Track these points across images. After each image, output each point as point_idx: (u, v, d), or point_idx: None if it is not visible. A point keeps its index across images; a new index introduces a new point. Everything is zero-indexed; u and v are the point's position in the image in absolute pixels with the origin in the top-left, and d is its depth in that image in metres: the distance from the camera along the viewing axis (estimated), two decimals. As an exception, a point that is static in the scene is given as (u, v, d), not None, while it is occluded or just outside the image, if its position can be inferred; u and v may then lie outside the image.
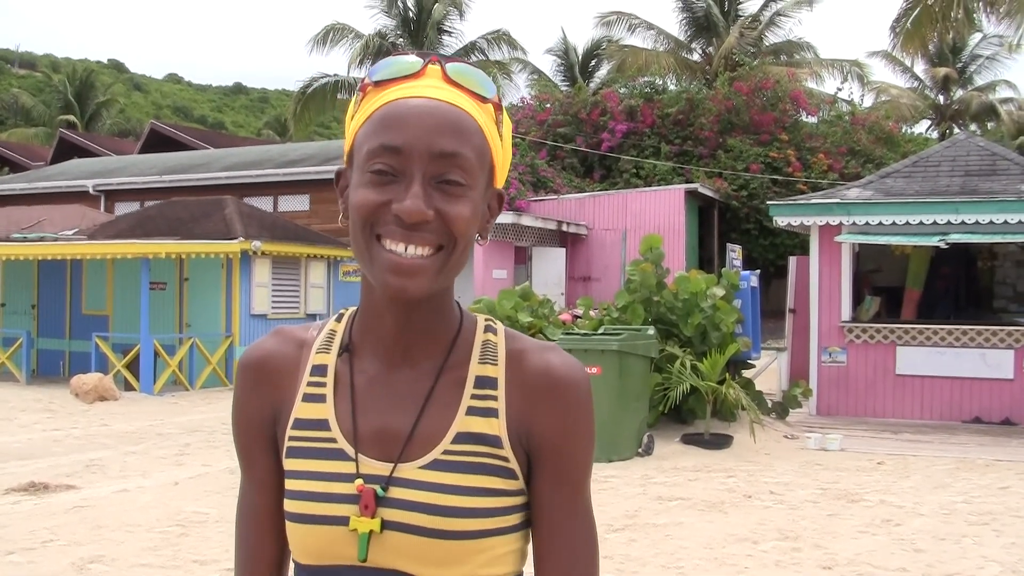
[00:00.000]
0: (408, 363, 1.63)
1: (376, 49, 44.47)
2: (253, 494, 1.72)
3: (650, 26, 43.76)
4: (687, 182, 32.43)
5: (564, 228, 29.85)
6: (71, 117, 59.65)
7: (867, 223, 16.57)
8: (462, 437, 1.57)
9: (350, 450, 1.58)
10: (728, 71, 37.87)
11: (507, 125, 1.65)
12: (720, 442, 13.68)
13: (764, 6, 43.53)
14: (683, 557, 8.24)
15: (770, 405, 15.63)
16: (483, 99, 1.59)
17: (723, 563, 8.11)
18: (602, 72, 47.73)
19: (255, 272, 22.50)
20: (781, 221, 17.59)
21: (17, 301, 24.82)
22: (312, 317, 24.37)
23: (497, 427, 1.58)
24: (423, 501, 1.53)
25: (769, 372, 18.45)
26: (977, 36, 45.96)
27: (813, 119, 37.13)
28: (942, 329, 16.45)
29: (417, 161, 1.51)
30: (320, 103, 45.18)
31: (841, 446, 13.87)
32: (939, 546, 8.70)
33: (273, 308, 23.20)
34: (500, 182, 1.66)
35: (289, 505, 1.61)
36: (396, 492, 1.54)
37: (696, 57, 44.23)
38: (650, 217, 29.70)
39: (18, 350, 22.65)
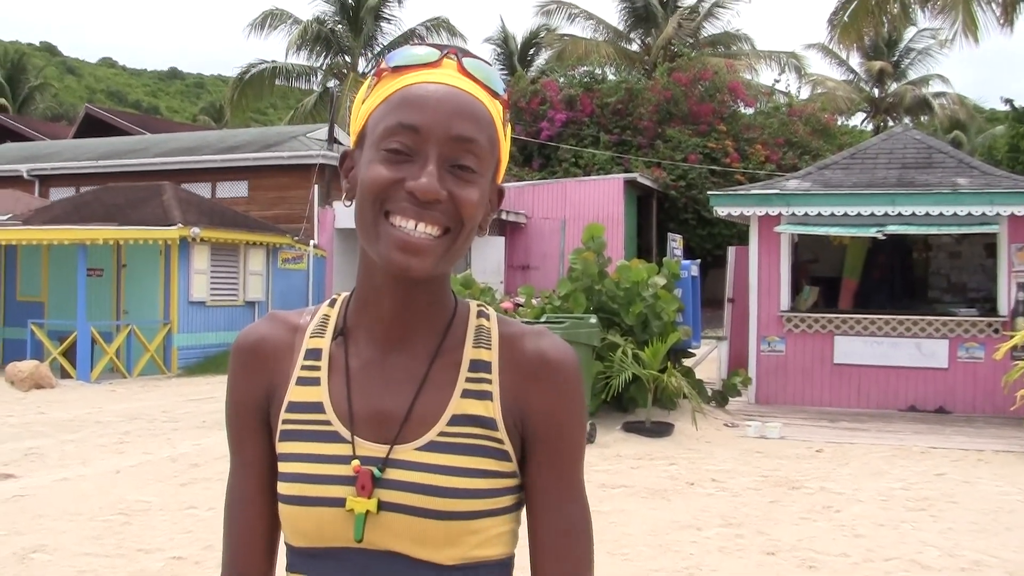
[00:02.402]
0: (403, 346, 1.65)
1: (315, 35, 44.25)
2: (244, 477, 1.72)
3: (589, 16, 43.90)
4: (626, 171, 32.53)
5: (503, 216, 29.84)
6: (2, 100, 58.73)
7: (806, 214, 16.75)
8: (457, 419, 1.59)
9: (345, 432, 1.60)
10: (667, 61, 38.08)
11: (510, 126, 1.68)
12: (661, 430, 13.77)
13: (703, -3, 43.80)
14: (628, 544, 8.31)
15: (710, 394, 15.76)
16: (495, 94, 1.63)
17: (668, 549, 8.18)
18: (541, 61, 47.81)
19: (193, 259, 22.32)
20: (721, 211, 17.73)
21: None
22: (251, 305, 24.24)
23: (492, 409, 1.60)
24: (419, 482, 1.55)
25: (709, 361, 18.62)
26: (912, 30, 46.55)
27: (751, 110, 37.42)
28: (879, 319, 16.67)
29: (434, 142, 1.53)
30: (258, 89, 44.81)
31: (780, 434, 14.02)
32: (879, 531, 8.83)
33: (212, 295, 23.03)
34: (500, 178, 1.69)
35: (283, 488, 1.62)
36: (392, 473, 1.56)
37: (635, 47, 44.42)
38: (589, 206, 29.78)
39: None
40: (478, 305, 1.73)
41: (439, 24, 46.01)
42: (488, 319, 1.70)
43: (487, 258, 28.55)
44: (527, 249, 30.55)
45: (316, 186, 27.86)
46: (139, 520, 8.92)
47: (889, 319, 16.63)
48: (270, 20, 44.24)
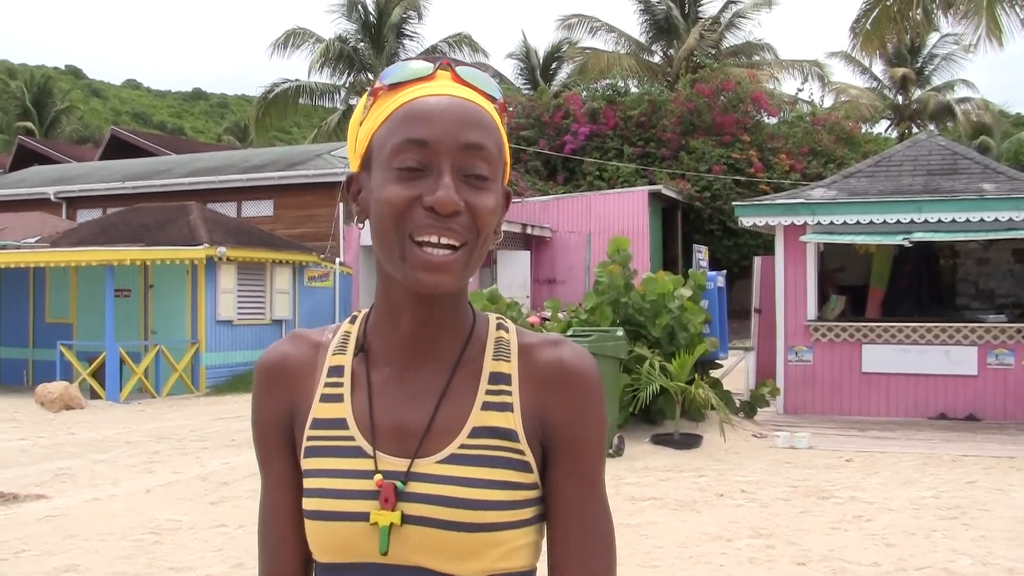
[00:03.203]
0: (424, 360, 1.65)
1: (338, 53, 44.43)
2: (273, 494, 1.73)
3: (611, 28, 43.91)
4: (650, 184, 32.54)
5: (528, 231, 29.89)
6: (29, 124, 59.14)
7: (831, 223, 16.69)
8: (478, 431, 1.59)
9: (368, 447, 1.61)
10: (689, 73, 38.05)
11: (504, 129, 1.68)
12: (690, 442, 13.74)
13: (724, 8, 43.81)
14: (659, 556, 8.28)
15: (738, 404, 15.71)
16: (492, 99, 1.64)
17: (698, 561, 8.16)
18: (563, 75, 47.84)
19: (220, 278, 22.41)
20: (746, 221, 17.69)
21: (-21, 310, 24.61)
22: (278, 323, 24.32)
23: (512, 421, 1.61)
24: (442, 494, 1.55)
25: (736, 372, 18.56)
26: (934, 36, 46.34)
27: (774, 120, 37.36)
28: (907, 327, 16.59)
29: (445, 153, 1.53)
30: (282, 108, 45.05)
31: (809, 444, 13.96)
32: (910, 540, 8.78)
33: (239, 314, 23.12)
34: (507, 180, 1.69)
35: (308, 503, 1.62)
36: (415, 486, 1.56)
37: (657, 59, 44.41)
38: (614, 219, 29.77)
39: (-19, 359, 22.48)
40: (497, 318, 1.74)
41: (461, 40, 46.12)
42: (507, 331, 1.71)
43: (513, 272, 28.58)
44: (553, 263, 30.57)
45: (341, 204, 27.92)
46: (170, 539, 8.96)
47: (917, 327, 16.54)
48: (293, 39, 44.47)
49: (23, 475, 12.30)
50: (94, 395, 20.50)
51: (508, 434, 1.60)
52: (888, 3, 24.49)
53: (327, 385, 1.68)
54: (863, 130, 41.72)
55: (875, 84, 51.53)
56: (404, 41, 46.21)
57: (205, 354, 22.24)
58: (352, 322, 1.75)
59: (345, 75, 45.73)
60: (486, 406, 1.61)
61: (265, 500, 1.75)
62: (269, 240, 24.45)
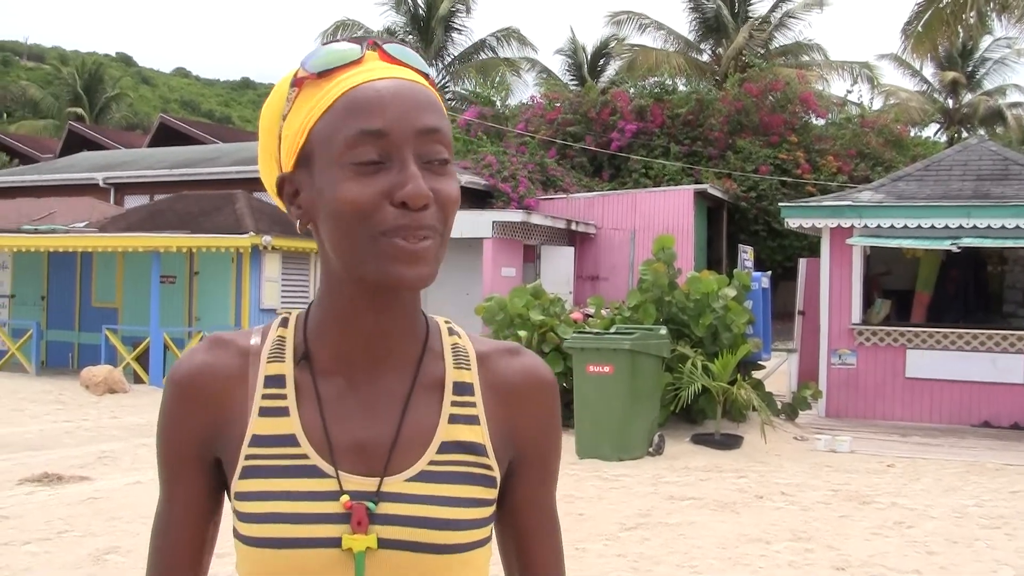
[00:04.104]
0: (380, 369, 1.52)
1: (386, 46, 44.48)
2: (178, 514, 1.55)
3: (660, 26, 43.75)
4: (696, 183, 32.40)
5: (573, 227, 29.84)
6: (79, 110, 59.63)
7: (879, 226, 16.58)
8: (447, 446, 1.50)
9: (327, 466, 1.46)
10: (738, 72, 37.87)
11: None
12: (730, 442, 13.69)
13: (774, 7, 43.52)
14: (697, 556, 8.27)
15: (780, 406, 15.65)
16: (426, 75, 1.50)
17: (737, 563, 8.14)
18: (610, 71, 47.70)
19: (265, 266, 22.52)
20: (792, 223, 17.61)
21: (27, 293, 24.86)
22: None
23: (480, 434, 1.52)
24: (416, 515, 1.45)
25: (779, 373, 18.48)
26: (987, 39, 45.93)
27: (822, 121, 37.11)
28: (952, 333, 16.46)
29: (405, 142, 1.40)
30: (329, 99, 45.18)
31: (851, 448, 13.89)
32: (952, 549, 8.72)
33: (283, 303, 23.22)
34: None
35: (255, 530, 1.44)
36: (386, 507, 1.44)
37: (706, 58, 44.23)
38: (659, 217, 29.68)
39: (28, 341, 22.70)
40: (446, 322, 1.64)
41: (509, 34, 46.16)
42: (460, 337, 1.61)
43: (557, 268, 28.57)
44: (596, 260, 30.51)
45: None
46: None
47: (963, 333, 16.41)
48: (341, 31, 44.58)
49: (67, 457, 12.43)
50: (138, 379, 20.68)
51: (477, 448, 1.51)
52: (941, 5, 24.28)
53: (266, 397, 1.49)
54: (912, 133, 41.39)
55: (925, 87, 51.13)
56: (452, 34, 46.32)
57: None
58: (284, 325, 1.57)
59: (393, 68, 45.80)
60: (453, 419, 1.52)
61: (167, 520, 1.56)
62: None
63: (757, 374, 16.20)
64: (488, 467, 1.52)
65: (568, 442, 13.30)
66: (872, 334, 16.85)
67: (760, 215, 32.91)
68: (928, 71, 49.82)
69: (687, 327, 14.52)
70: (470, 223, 27.64)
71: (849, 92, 41.02)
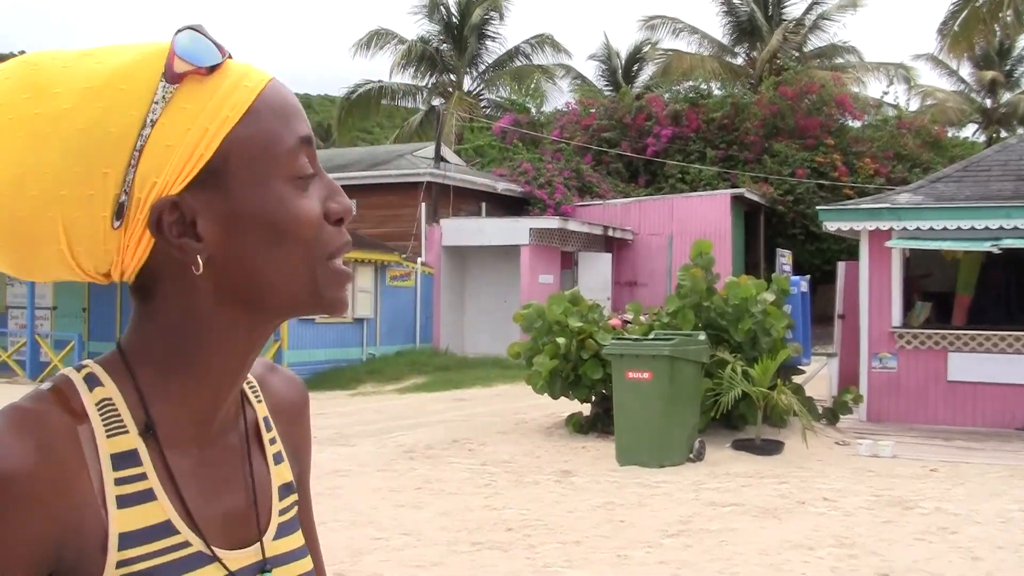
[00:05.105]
0: (224, 423, 1.28)
1: (420, 55, 44.69)
2: None
3: (693, 30, 43.68)
4: (733, 187, 32.38)
5: (610, 233, 29.85)
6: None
7: (918, 228, 16.48)
8: (282, 491, 1.33)
9: (207, 549, 1.20)
10: (773, 75, 37.77)
11: None
12: (771, 448, 13.63)
13: (808, 10, 43.33)
14: (739, 563, 8.24)
15: (821, 411, 15.56)
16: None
17: (780, 569, 8.10)
18: (645, 76, 47.66)
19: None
20: (830, 226, 17.51)
21: (68, 304, 25.09)
22: (360, 321, 24.53)
23: (288, 469, 1.37)
24: (301, 572, 1.31)
25: (819, 378, 18.38)
26: (1024, 38, 45.57)
27: (859, 123, 37.00)
28: (994, 335, 16.32)
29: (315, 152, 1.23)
30: (364, 108, 45.46)
31: (893, 453, 13.79)
32: (997, 555, 8.64)
33: (320, 313, 23.35)
34: None
35: None
36: (277, 573, 1.28)
37: (740, 61, 44.11)
38: (696, 222, 29.65)
39: (70, 353, 22.89)
40: None
41: (543, 41, 46.20)
42: None
43: (594, 274, 28.58)
44: (634, 265, 30.51)
45: (424, 204, 28.13)
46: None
47: (1005, 335, 16.27)
48: (376, 40, 44.82)
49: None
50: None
51: (292, 486, 1.37)
52: (978, 4, 24.17)
53: (120, 482, 1.15)
54: (950, 134, 41.14)
55: (962, 87, 50.73)
56: (486, 42, 46.38)
57: (287, 351, 22.49)
58: (93, 384, 1.18)
59: (427, 76, 46.02)
60: (276, 459, 1.35)
61: None
62: (351, 239, 24.67)
63: (797, 379, 16.12)
64: (297, 500, 1.38)
65: (608, 449, 13.30)
66: (913, 337, 16.73)
67: (797, 219, 32.84)
68: (965, 71, 49.46)
69: (726, 332, 14.48)
70: (507, 230, 27.72)
71: (885, 93, 40.92)
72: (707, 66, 41.56)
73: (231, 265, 1.16)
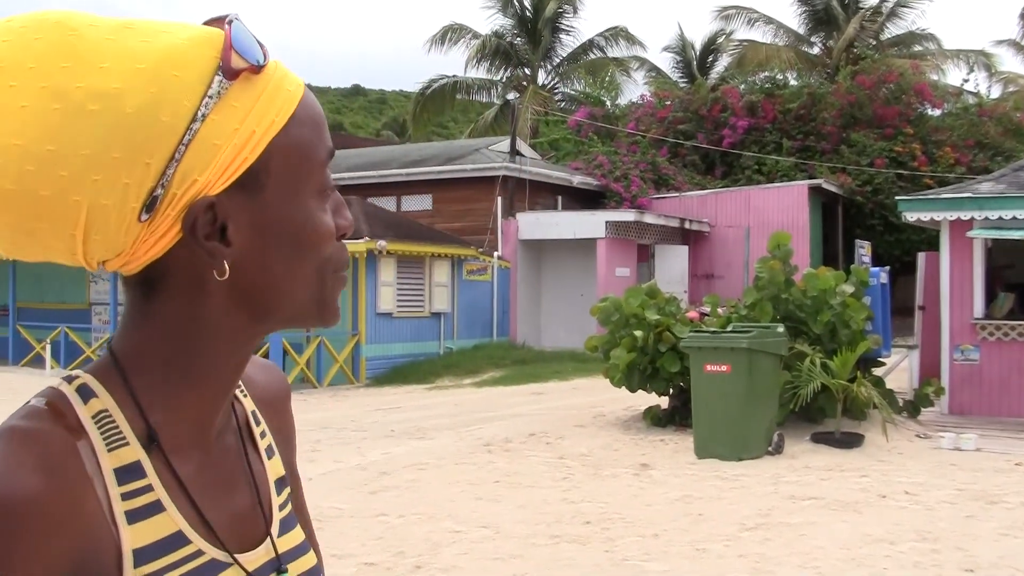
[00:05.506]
0: (222, 425, 1.27)
1: (494, 49, 44.80)
2: None
3: (769, 20, 43.39)
4: (810, 178, 32.09)
5: (686, 225, 29.73)
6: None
7: (1000, 218, 16.21)
8: (278, 485, 1.32)
9: (222, 554, 1.18)
10: (849, 64, 37.38)
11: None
12: (851, 441, 13.50)
13: (885, -3, 42.85)
14: (819, 557, 8.18)
15: (901, 404, 15.39)
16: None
17: (860, 564, 8.03)
18: (720, 67, 47.39)
19: (380, 271, 22.79)
20: (910, 216, 17.29)
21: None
22: (437, 316, 24.65)
23: (280, 462, 1.35)
24: (307, 568, 1.30)
25: (899, 370, 18.16)
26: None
27: (939, 112, 36.49)
28: (1080, 326, 16.03)
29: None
30: (439, 103, 45.65)
31: (976, 446, 13.60)
32: (1085, 549, 8.51)
33: (398, 307, 23.50)
34: None
35: None
36: (291, 568, 1.27)
37: (816, 51, 43.72)
38: (773, 214, 29.45)
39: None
40: None
41: (617, 33, 46.11)
42: None
43: (671, 267, 28.49)
44: (711, 258, 30.37)
45: (500, 198, 28.19)
46: (331, 526, 9.15)
47: (1091, 326, 15.98)
48: (450, 35, 45.00)
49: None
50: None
51: (286, 480, 1.35)
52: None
53: (127, 496, 1.11)
54: (1032, 122, 40.44)
55: (1046, 73, 49.89)
56: (560, 35, 46.40)
57: (365, 346, 22.66)
58: (87, 395, 1.14)
59: (502, 70, 46.14)
60: (269, 452, 1.33)
61: None
62: (428, 234, 24.80)
63: (877, 371, 15.96)
64: (291, 493, 1.36)
65: (687, 441, 13.27)
66: (996, 328, 16.48)
67: (876, 209, 32.47)
68: (1048, 57, 48.62)
69: (805, 324, 14.37)
70: (583, 224, 27.70)
71: (965, 81, 40.03)
72: (783, 56, 41.24)
73: (251, 272, 1.13)
